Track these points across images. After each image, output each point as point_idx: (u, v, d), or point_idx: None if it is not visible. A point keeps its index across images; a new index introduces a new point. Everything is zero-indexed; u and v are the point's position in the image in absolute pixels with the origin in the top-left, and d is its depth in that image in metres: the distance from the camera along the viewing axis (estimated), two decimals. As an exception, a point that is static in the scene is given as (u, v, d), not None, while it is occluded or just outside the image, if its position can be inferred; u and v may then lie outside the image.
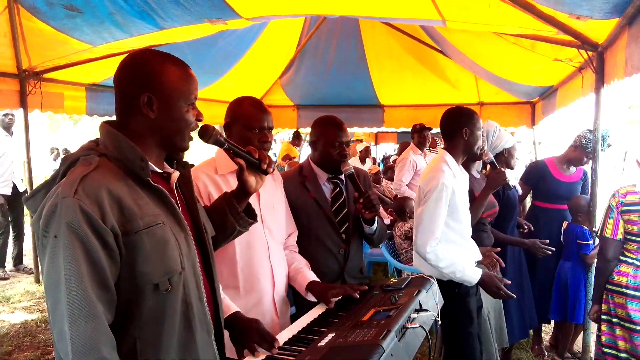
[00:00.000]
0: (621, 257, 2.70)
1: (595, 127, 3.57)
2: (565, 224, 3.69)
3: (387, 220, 4.83)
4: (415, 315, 1.72)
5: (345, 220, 2.36)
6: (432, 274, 2.32)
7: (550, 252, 3.29)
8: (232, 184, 1.75)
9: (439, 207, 2.33)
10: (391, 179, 6.69)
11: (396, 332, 1.52)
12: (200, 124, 1.38)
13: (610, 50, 3.23)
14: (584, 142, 3.67)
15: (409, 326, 1.62)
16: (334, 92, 6.68)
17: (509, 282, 2.44)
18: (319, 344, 1.45)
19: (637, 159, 3.03)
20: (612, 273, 2.70)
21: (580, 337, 3.70)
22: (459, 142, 2.47)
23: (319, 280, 2.04)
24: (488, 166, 2.99)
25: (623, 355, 2.66)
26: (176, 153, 1.37)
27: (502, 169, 2.82)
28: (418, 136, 5.55)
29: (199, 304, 1.28)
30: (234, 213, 1.55)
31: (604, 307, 2.77)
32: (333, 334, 1.53)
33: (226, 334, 1.55)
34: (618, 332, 2.69)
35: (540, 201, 3.78)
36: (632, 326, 2.60)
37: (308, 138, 2.80)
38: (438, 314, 1.94)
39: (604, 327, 2.77)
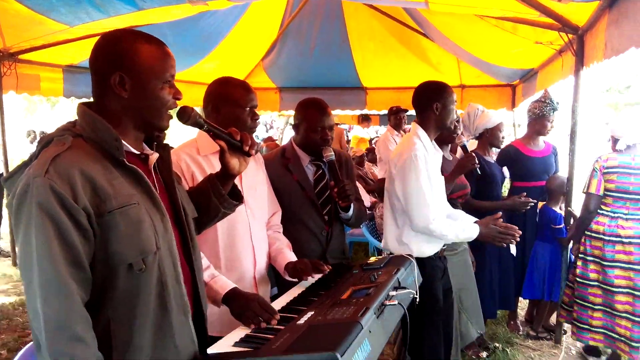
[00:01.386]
0: (598, 210, 3.24)
1: (574, 109, 3.64)
2: (540, 204, 3.77)
3: (368, 202, 4.87)
4: (394, 293, 1.76)
5: (328, 203, 2.38)
6: (412, 251, 2.38)
7: (533, 202, 3.46)
8: (216, 165, 1.75)
9: (420, 178, 2.32)
10: (373, 161, 6.73)
11: (375, 310, 1.55)
12: (179, 104, 1.37)
13: (590, 33, 3.27)
14: (538, 111, 3.75)
15: (388, 304, 1.65)
16: (317, 74, 6.65)
17: (514, 226, 2.42)
18: (298, 322, 1.48)
19: (612, 135, 3.27)
20: (591, 222, 3.26)
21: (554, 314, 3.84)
22: (431, 117, 2.46)
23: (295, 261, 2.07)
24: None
25: (594, 283, 3.26)
26: (155, 133, 1.36)
27: (472, 154, 2.86)
28: (394, 118, 5.61)
29: (175, 285, 1.29)
30: (218, 195, 1.54)
31: (581, 248, 3.33)
32: (312, 312, 1.55)
33: (224, 311, 1.61)
34: (591, 267, 3.26)
35: (519, 181, 3.84)
36: (606, 263, 3.18)
37: (291, 120, 2.80)
38: (417, 292, 1.98)
39: (579, 263, 3.33)
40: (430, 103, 2.44)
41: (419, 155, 2.34)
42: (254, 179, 2.09)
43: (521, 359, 3.54)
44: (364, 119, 9.86)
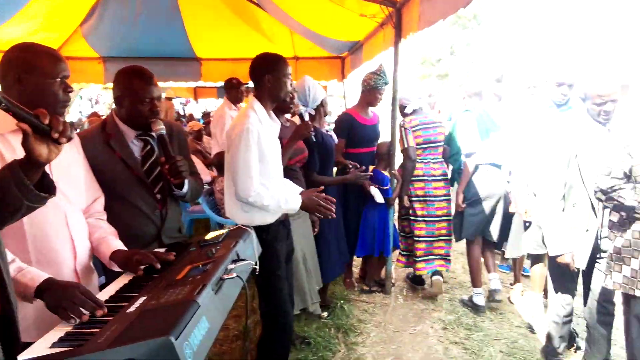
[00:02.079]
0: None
1: (394, 79, 3.94)
2: (371, 168, 4.06)
3: (208, 177, 4.75)
4: (232, 266, 1.73)
5: (160, 180, 2.23)
6: (255, 219, 2.44)
7: (369, 175, 3.75)
8: (17, 147, 1.49)
9: (249, 151, 2.34)
10: (211, 135, 6.55)
11: (212, 286, 1.51)
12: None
13: (407, 6, 3.54)
14: (372, 83, 4.01)
15: (226, 277, 1.62)
16: (145, 43, 6.17)
17: (333, 199, 2.55)
18: (128, 310, 1.37)
19: (400, 102, 4.07)
20: (414, 169, 3.98)
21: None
22: (264, 89, 2.47)
23: (125, 248, 1.90)
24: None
25: (419, 218, 4.03)
26: None
27: (308, 121, 2.97)
28: (231, 92, 5.47)
29: None
30: (21, 186, 1.30)
31: (409, 192, 4.06)
32: (144, 298, 1.45)
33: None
34: (417, 205, 4.03)
35: (353, 147, 4.06)
36: (429, 198, 4.01)
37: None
38: (256, 262, 1.98)
39: (406, 204, 4.08)
40: (263, 75, 2.44)
41: (252, 129, 2.35)
42: (66, 158, 1.82)
43: (357, 313, 3.83)
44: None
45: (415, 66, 36.12)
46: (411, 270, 4.41)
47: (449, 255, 4.13)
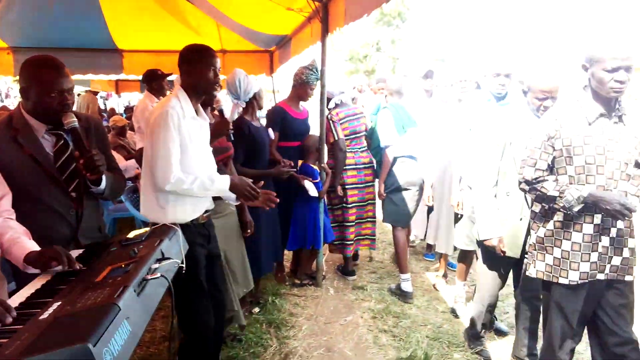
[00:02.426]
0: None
1: (322, 73, 3.96)
2: (300, 162, 4.07)
3: (132, 172, 4.56)
4: (156, 265, 1.67)
5: (75, 177, 2.10)
6: (168, 217, 2.27)
7: (295, 170, 3.74)
8: None
9: (168, 135, 2.21)
10: (134, 129, 6.28)
11: (135, 287, 1.45)
12: None
13: (333, 0, 3.56)
14: (304, 78, 4.03)
15: (150, 278, 1.56)
16: (61, 33, 5.77)
17: (260, 182, 2.51)
18: (42, 317, 1.28)
19: (328, 95, 4.15)
20: (346, 159, 4.20)
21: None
22: (185, 80, 2.38)
23: (40, 249, 1.78)
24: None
25: (352, 205, 4.28)
26: None
27: (226, 118, 2.86)
28: (157, 83, 5.24)
29: None
30: None
31: (342, 181, 4.24)
32: (59, 303, 1.36)
33: None
34: (350, 192, 4.27)
35: (284, 141, 4.04)
36: (361, 185, 4.30)
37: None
38: (183, 261, 1.93)
39: (340, 193, 4.27)
40: (189, 66, 2.36)
41: (171, 112, 2.22)
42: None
43: (289, 307, 3.84)
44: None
45: (343, 62, 36.74)
46: (342, 261, 4.54)
47: (374, 235, 4.51)
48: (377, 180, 4.38)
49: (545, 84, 2.64)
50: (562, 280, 2.31)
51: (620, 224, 2.25)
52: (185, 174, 2.26)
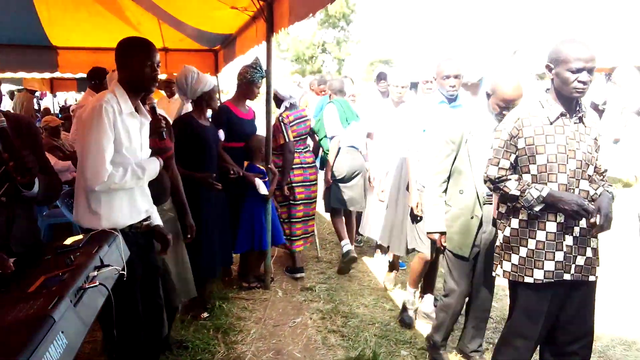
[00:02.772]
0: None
1: (268, 73, 3.93)
2: (246, 163, 4.01)
3: (69, 175, 4.34)
4: (95, 273, 1.59)
5: (5, 180, 1.96)
6: (102, 222, 2.16)
7: (219, 187, 3.56)
8: None
9: (101, 131, 2.09)
10: (70, 130, 5.99)
11: (71, 297, 1.37)
12: None
13: (278, 0, 3.53)
14: (249, 77, 3.98)
15: (87, 286, 1.48)
16: (-11, 27, 5.44)
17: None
18: (-34, 333, 1.19)
19: (278, 96, 4.31)
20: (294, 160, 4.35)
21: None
22: (121, 75, 2.27)
23: None
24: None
25: (299, 202, 4.44)
26: None
27: (160, 117, 2.71)
28: (99, 82, 5.03)
29: None
30: None
31: (289, 180, 4.36)
32: (-14, 316, 1.27)
33: None
34: (298, 190, 4.42)
35: (231, 142, 3.97)
36: (307, 183, 4.48)
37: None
38: (124, 267, 1.85)
39: (287, 192, 4.36)
40: (125, 60, 2.24)
41: (106, 107, 2.11)
42: None
43: (236, 311, 3.77)
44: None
45: (289, 63, 36.87)
46: (290, 263, 4.54)
47: (313, 232, 4.79)
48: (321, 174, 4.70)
49: (510, 93, 2.63)
50: (527, 280, 2.32)
51: (583, 223, 2.27)
52: (116, 168, 2.14)
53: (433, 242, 3.07)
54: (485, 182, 2.47)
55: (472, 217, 2.82)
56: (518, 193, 2.28)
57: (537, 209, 2.25)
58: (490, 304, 3.09)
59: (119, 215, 2.23)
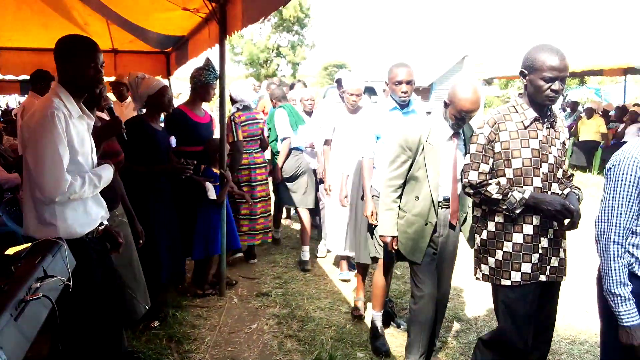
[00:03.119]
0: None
1: (222, 76, 3.88)
2: (202, 167, 3.95)
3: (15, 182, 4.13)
4: (37, 285, 1.51)
5: None
6: (59, 232, 2.07)
7: (191, 168, 3.52)
8: None
9: (56, 139, 2.01)
10: (13, 134, 5.72)
11: (11, 310, 1.30)
12: None
13: (231, 2, 3.50)
14: (203, 79, 3.91)
15: (29, 299, 1.41)
16: None
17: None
18: None
19: (231, 97, 4.59)
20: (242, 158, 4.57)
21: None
22: (62, 76, 2.17)
23: None
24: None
25: (245, 200, 4.60)
26: None
27: (119, 118, 2.61)
28: (45, 84, 4.80)
29: None
30: None
31: (236, 179, 4.55)
32: None
33: None
34: (244, 189, 4.62)
35: (187, 146, 3.89)
36: (254, 183, 4.74)
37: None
38: (69, 278, 1.77)
39: (238, 190, 4.51)
40: (66, 60, 2.14)
41: (58, 114, 2.03)
42: None
43: (191, 319, 3.68)
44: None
45: (244, 66, 36.66)
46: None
47: (269, 229, 4.97)
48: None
49: (468, 106, 2.63)
50: (504, 282, 2.36)
51: (557, 225, 2.34)
52: (74, 177, 2.07)
53: (385, 245, 3.02)
54: (465, 187, 2.48)
55: (426, 224, 2.82)
56: (500, 196, 2.31)
57: (518, 211, 2.29)
58: (445, 305, 3.13)
59: (75, 224, 2.15)
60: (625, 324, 1.91)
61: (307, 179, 5.03)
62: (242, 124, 4.52)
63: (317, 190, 5.14)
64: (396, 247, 2.93)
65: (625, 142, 9.35)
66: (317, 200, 5.17)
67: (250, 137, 4.64)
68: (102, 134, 2.51)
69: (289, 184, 4.98)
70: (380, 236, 2.99)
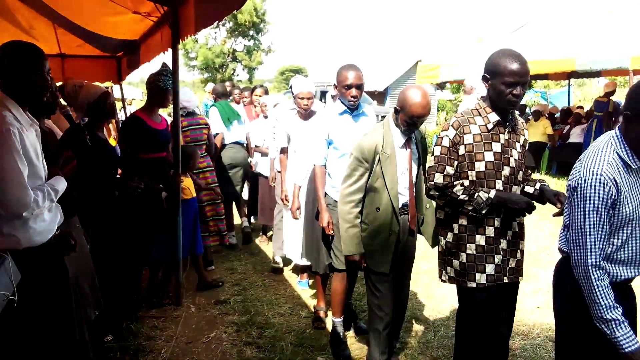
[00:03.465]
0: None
1: (175, 81, 3.82)
2: (172, 172, 3.87)
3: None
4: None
5: None
6: (21, 242, 2.03)
7: (141, 188, 3.46)
8: None
9: (14, 155, 1.95)
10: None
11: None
12: None
13: (184, 6, 3.44)
14: (161, 85, 3.83)
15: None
16: None
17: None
18: None
19: (182, 105, 4.36)
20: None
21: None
22: (13, 84, 2.09)
23: None
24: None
25: (205, 204, 4.79)
26: None
27: (79, 123, 2.56)
28: None
29: None
30: None
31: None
32: None
33: None
34: (204, 192, 4.73)
35: (144, 153, 3.78)
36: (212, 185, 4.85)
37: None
38: (14, 292, 1.69)
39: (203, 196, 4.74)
40: (9, 69, 2.06)
41: (12, 130, 1.96)
42: None
43: (146, 330, 3.58)
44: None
45: (199, 71, 36.21)
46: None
47: (224, 232, 4.97)
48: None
49: (419, 112, 2.66)
50: (470, 284, 2.39)
51: (515, 226, 2.41)
52: (35, 192, 2.03)
53: (352, 262, 2.95)
54: (429, 190, 2.48)
55: (390, 234, 2.82)
56: (467, 197, 2.34)
57: (484, 211, 2.33)
58: (404, 307, 3.17)
59: (35, 234, 2.10)
60: (627, 350, 1.77)
61: (240, 172, 5.56)
62: (183, 129, 4.49)
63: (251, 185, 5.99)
64: (365, 265, 2.89)
65: (570, 143, 9.92)
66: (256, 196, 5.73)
67: (193, 142, 4.64)
68: (65, 142, 2.44)
69: (224, 174, 5.35)
70: (347, 256, 2.92)
